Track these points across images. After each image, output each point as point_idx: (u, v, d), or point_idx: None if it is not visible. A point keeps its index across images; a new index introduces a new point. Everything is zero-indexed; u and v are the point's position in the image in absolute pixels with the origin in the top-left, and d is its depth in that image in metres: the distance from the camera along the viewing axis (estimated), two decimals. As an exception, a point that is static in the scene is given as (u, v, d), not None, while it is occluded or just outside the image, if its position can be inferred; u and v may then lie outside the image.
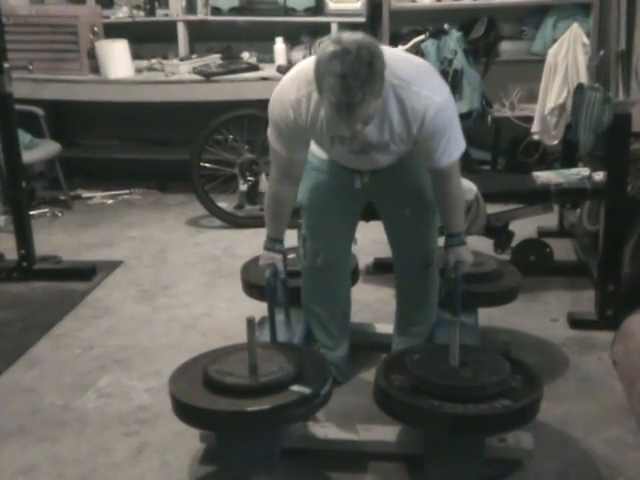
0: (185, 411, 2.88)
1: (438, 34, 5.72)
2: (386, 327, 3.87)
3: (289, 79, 3.10)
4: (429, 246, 3.48)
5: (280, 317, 3.50)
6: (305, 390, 2.86)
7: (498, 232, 4.74)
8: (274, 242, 3.38)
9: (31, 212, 5.48)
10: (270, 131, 3.18)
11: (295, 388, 2.87)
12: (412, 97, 2.96)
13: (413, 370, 2.96)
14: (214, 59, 6.63)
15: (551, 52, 5.60)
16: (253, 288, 3.86)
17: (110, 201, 6.76)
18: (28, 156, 5.66)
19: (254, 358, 2.95)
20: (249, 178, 6.11)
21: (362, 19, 6.46)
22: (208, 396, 2.87)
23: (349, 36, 2.74)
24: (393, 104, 2.97)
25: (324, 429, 3.19)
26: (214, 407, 2.82)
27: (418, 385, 2.91)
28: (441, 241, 3.52)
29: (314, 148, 3.37)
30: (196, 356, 3.18)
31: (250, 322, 2.97)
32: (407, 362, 3.01)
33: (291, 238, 3.63)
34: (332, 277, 3.57)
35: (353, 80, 2.66)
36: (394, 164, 3.32)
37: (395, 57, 2.94)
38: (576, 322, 4.24)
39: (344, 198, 3.43)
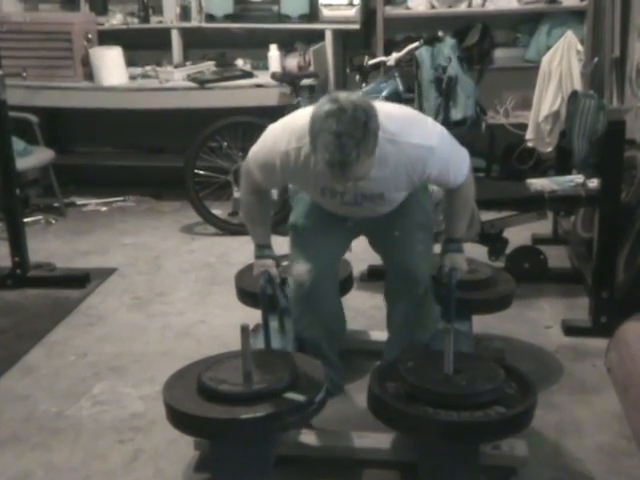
0: (179, 419, 2.88)
1: (432, 41, 5.72)
2: (380, 334, 3.87)
3: (281, 128, 3.12)
4: (422, 267, 3.37)
5: (274, 324, 3.50)
6: (299, 397, 2.86)
7: (492, 239, 4.74)
8: (262, 249, 3.41)
9: (25, 219, 5.48)
10: (253, 158, 3.20)
11: (289, 395, 2.87)
12: (406, 148, 2.99)
13: (407, 377, 2.95)
14: (208, 66, 6.62)
15: (545, 59, 5.60)
16: (247, 296, 3.86)
17: (104, 208, 6.76)
18: (22, 163, 5.65)
19: (248, 365, 2.95)
20: (243, 185, 6.10)
21: (356, 26, 6.47)
22: (202, 403, 2.86)
23: (346, 96, 2.76)
24: (387, 157, 2.98)
25: (318, 436, 3.19)
26: (208, 415, 2.81)
27: (412, 392, 2.91)
28: (436, 247, 3.52)
29: None
30: (190, 363, 3.17)
31: (244, 329, 2.97)
32: (401, 369, 3.01)
33: (284, 245, 3.62)
34: (321, 299, 3.45)
35: (348, 139, 2.68)
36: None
37: (382, 113, 2.87)
38: (570, 329, 4.24)
39: (337, 226, 3.41)
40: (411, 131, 3.02)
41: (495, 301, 3.87)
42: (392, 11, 6.55)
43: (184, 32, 6.88)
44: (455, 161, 3.15)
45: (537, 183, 4.68)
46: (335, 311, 3.58)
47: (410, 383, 2.93)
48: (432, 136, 3.06)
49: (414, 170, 3.03)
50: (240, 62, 6.80)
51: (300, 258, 3.39)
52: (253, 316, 3.58)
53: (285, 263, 3.60)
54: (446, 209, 3.38)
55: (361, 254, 4.05)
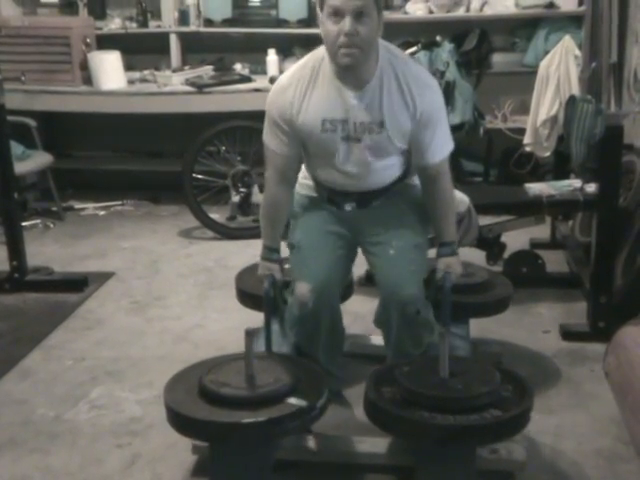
0: (180, 421, 2.86)
1: (430, 46, 5.73)
2: (379, 339, 3.86)
3: (283, 74, 3.26)
4: (414, 290, 3.26)
5: (274, 327, 3.48)
6: (301, 403, 2.85)
7: (490, 244, 4.74)
8: (271, 252, 3.39)
9: (23, 223, 5.47)
10: (265, 129, 3.26)
11: (291, 401, 2.86)
12: (411, 70, 3.14)
13: (403, 382, 2.94)
14: (206, 70, 6.62)
15: (543, 64, 5.62)
16: (248, 297, 3.84)
17: (102, 212, 6.76)
18: (20, 167, 5.65)
19: (251, 369, 2.94)
20: (241, 189, 6.11)
21: (354, 31, 6.46)
22: (204, 406, 2.85)
23: None
24: (392, 76, 3.08)
25: (317, 441, 3.18)
26: (210, 418, 2.80)
27: (408, 397, 2.90)
28: (431, 252, 3.51)
29: (301, 182, 3.43)
30: (190, 365, 3.15)
31: (248, 333, 2.96)
32: (397, 374, 2.99)
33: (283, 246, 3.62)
34: (323, 317, 3.37)
35: None
36: (384, 198, 3.34)
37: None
38: (568, 334, 4.24)
39: (335, 239, 3.38)
40: (415, 64, 3.28)
41: (492, 304, 3.85)
42: (390, 16, 6.54)
43: (182, 36, 6.89)
44: (443, 125, 3.22)
45: (535, 187, 4.68)
46: (336, 328, 3.51)
47: (406, 387, 2.92)
48: (433, 78, 3.27)
49: (411, 91, 3.09)
50: (238, 66, 6.80)
51: (301, 278, 3.33)
52: (251, 320, 3.57)
53: (287, 266, 3.58)
54: (431, 213, 3.36)
55: (358, 258, 4.05)
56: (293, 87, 3.13)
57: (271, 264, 3.38)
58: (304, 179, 3.43)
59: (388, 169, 3.28)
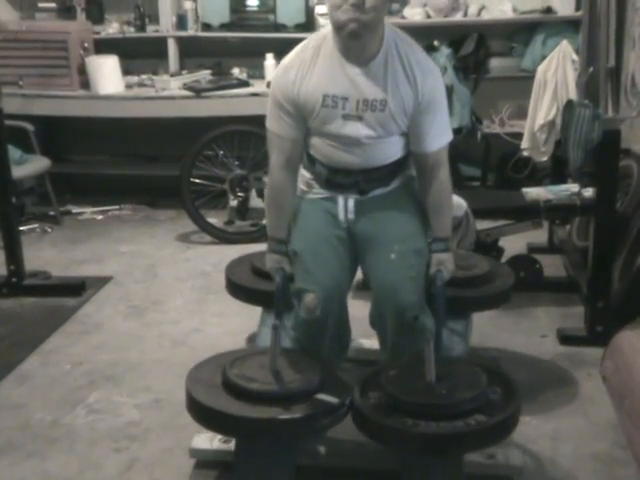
0: (208, 415, 2.79)
1: (428, 50, 5.73)
2: (376, 343, 3.85)
3: (287, 56, 3.27)
4: (413, 296, 3.19)
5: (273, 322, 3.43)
6: (332, 399, 2.80)
7: (488, 248, 4.73)
8: (279, 244, 3.31)
9: (21, 228, 5.47)
10: (269, 114, 3.23)
11: (321, 397, 2.81)
12: (415, 54, 3.15)
13: (388, 387, 2.87)
14: (204, 75, 6.63)
15: (540, 69, 5.62)
16: (239, 289, 3.75)
17: (100, 217, 6.76)
18: (18, 172, 5.65)
19: (275, 364, 2.91)
20: (239, 194, 6.12)
21: (352, 35, 6.47)
22: (233, 401, 2.78)
23: None
24: (396, 56, 3.10)
25: (317, 444, 3.17)
26: (242, 414, 2.73)
27: (392, 403, 2.82)
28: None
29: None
30: (208, 358, 3.10)
31: (275, 327, 2.95)
32: (383, 379, 2.92)
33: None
34: (329, 324, 3.28)
35: None
36: (386, 191, 3.31)
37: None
38: (566, 338, 4.25)
39: (336, 242, 3.30)
40: (421, 50, 3.23)
41: (492, 297, 3.71)
42: (388, 20, 6.55)
43: (180, 41, 6.90)
44: (444, 112, 3.21)
45: (532, 192, 4.69)
46: (342, 333, 3.45)
47: (389, 393, 2.85)
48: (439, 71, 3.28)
49: (414, 74, 3.10)
50: (236, 71, 6.81)
51: (307, 287, 3.21)
52: (249, 324, 3.58)
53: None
54: (426, 206, 3.32)
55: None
56: (296, 68, 3.14)
57: (280, 256, 3.31)
58: (300, 174, 3.39)
59: (389, 147, 3.24)
